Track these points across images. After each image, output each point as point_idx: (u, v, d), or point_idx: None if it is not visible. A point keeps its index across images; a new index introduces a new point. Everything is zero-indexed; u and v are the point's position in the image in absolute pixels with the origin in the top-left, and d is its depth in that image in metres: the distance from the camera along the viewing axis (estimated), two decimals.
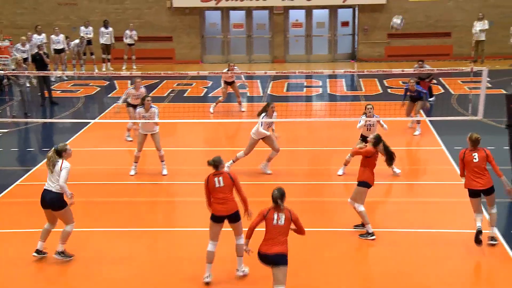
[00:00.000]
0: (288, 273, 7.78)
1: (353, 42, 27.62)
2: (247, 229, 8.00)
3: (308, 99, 21.02)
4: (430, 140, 15.37)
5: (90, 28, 25.15)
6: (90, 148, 15.21)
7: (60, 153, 9.27)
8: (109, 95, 21.42)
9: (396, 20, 13.47)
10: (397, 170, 12.70)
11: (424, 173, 13.61)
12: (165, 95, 20.99)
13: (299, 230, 7.97)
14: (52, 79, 22.21)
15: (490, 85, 18.73)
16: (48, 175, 9.27)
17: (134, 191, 12.58)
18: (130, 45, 25.58)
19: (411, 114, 15.74)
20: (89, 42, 24.85)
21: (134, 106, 14.21)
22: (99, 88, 22.40)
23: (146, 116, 12.76)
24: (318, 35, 27.59)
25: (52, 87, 20.86)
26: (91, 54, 25.01)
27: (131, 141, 15.25)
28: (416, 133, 15.65)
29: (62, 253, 9.43)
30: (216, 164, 8.67)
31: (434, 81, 21.58)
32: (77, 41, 24.25)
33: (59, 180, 9.11)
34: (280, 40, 27.37)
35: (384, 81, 21.89)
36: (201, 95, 21.44)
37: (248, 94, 21.02)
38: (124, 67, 25.41)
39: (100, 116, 18.48)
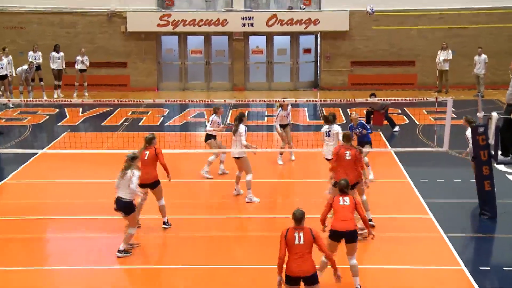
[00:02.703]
0: None
1: (315, 70, 27.08)
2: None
3: (269, 128, 20.20)
4: (395, 172, 14.89)
5: (39, 53, 23.98)
6: (37, 180, 14.49)
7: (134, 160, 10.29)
8: (59, 124, 20.39)
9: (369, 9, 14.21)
10: None
11: (389, 206, 12.87)
12: (119, 124, 20.16)
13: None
14: None
15: (455, 116, 18.33)
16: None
17: (89, 225, 11.88)
18: (81, 71, 24.48)
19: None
20: (38, 67, 23.68)
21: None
22: (48, 116, 21.36)
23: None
24: (279, 62, 26.96)
25: None
26: (40, 80, 23.85)
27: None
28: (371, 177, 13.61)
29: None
30: (299, 217, 7.79)
31: (399, 110, 21.09)
32: (25, 66, 23.05)
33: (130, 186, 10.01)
34: (240, 67, 26.62)
35: (348, 111, 21.23)
36: (157, 124, 20.51)
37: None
38: (75, 94, 24.32)
39: (49, 146, 17.48)
